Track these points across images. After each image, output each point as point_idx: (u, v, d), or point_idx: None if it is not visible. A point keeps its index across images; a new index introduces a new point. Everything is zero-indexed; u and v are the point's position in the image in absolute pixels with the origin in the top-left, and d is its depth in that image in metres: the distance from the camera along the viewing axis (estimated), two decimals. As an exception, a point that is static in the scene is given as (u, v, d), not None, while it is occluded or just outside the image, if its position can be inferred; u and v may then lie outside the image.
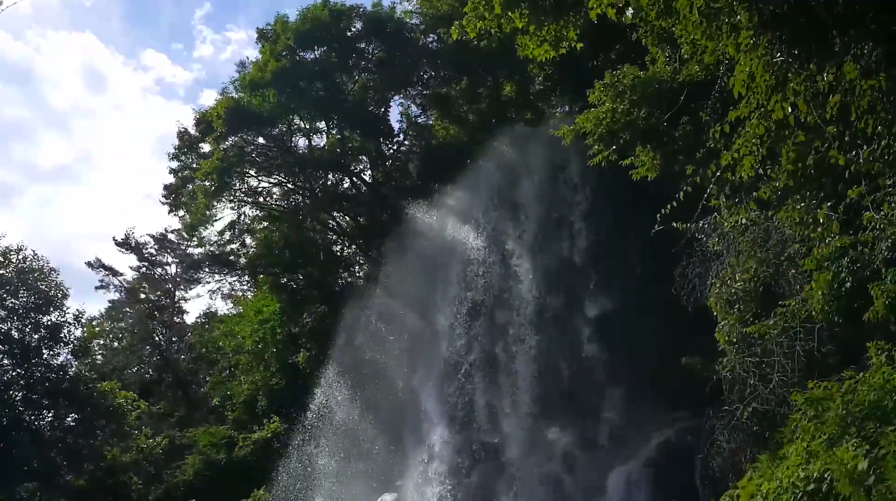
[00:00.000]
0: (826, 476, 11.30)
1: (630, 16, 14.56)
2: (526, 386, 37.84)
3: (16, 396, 46.50)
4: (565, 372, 37.61)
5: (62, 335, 48.45)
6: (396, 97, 54.25)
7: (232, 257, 62.72)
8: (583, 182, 39.74)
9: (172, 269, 77.88)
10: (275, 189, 57.06)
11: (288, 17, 50.87)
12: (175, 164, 55.87)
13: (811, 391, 13.35)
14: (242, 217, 56.85)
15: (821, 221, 15.93)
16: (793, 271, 19.13)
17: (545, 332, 38.59)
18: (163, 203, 57.94)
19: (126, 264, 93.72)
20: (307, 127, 54.33)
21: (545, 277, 39.69)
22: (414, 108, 55.09)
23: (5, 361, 46.69)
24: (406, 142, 55.80)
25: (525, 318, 39.47)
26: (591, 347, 37.66)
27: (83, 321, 52.21)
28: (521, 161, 42.41)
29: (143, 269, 76.79)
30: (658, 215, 16.76)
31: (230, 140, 50.79)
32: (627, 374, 34.39)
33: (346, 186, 56.92)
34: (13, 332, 46.88)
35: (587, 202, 39.81)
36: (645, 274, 34.01)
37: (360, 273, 57.18)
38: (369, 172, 55.91)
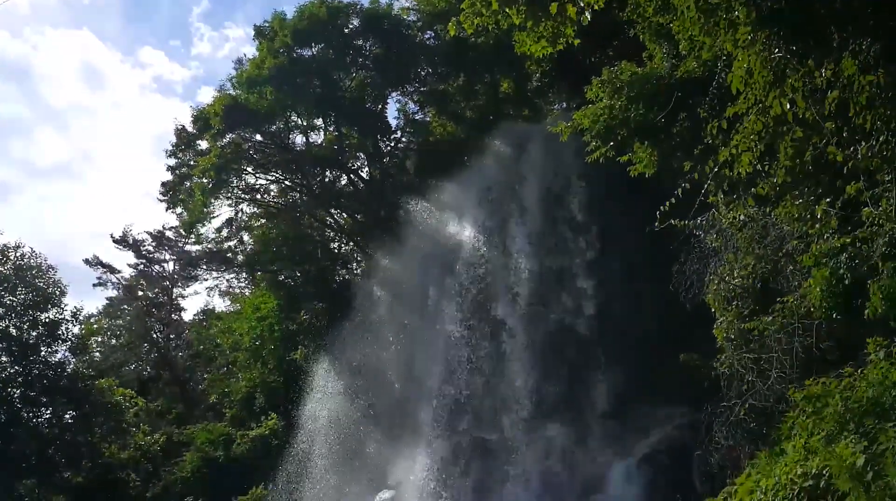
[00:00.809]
0: (824, 472, 11.29)
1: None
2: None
3: (14, 393, 46.53)
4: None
5: (60, 333, 48.47)
6: (394, 94, 54.30)
7: (230, 255, 62.53)
8: (587, 220, 37.78)
9: (170, 266, 77.64)
10: (272, 186, 57.13)
11: (285, 15, 50.82)
12: (173, 161, 55.76)
13: (809, 388, 13.34)
14: (240, 214, 56.91)
15: (819, 217, 15.91)
16: (791, 267, 19.16)
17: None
18: (160, 200, 57.74)
19: (124, 261, 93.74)
20: (304, 124, 54.35)
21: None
22: (411, 104, 55.11)
23: (3, 358, 46.74)
24: (403, 139, 55.79)
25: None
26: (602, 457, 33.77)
27: (81, 318, 52.19)
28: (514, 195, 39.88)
29: (141, 266, 76.56)
30: (657, 212, 16.73)
31: (228, 137, 50.78)
32: (626, 370, 34.26)
33: (343, 182, 56.92)
34: (11, 329, 46.88)
35: (593, 250, 37.23)
36: (643, 271, 33.72)
37: (358, 270, 57.15)
38: (367, 168, 55.93)
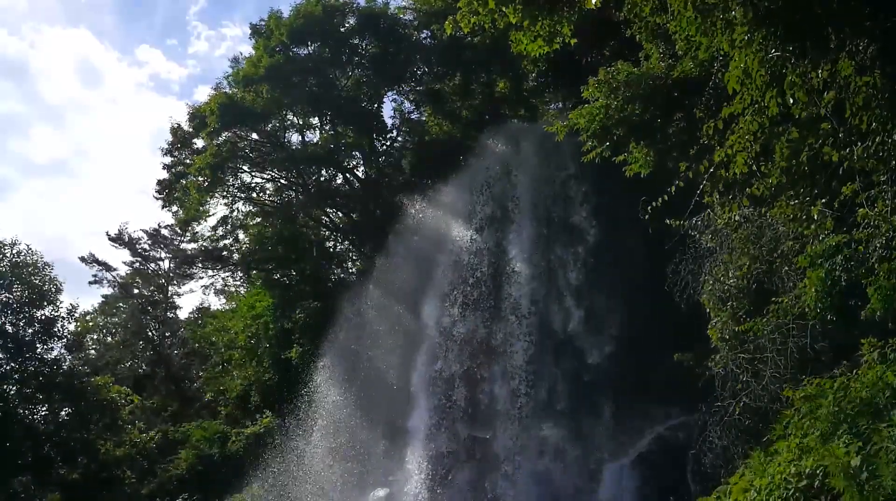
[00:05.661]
0: (819, 472, 11.31)
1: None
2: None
3: (9, 390, 46.41)
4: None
5: (56, 330, 48.38)
6: (390, 93, 54.48)
7: (225, 253, 62.63)
8: (582, 220, 37.13)
9: (166, 264, 77.76)
10: (268, 185, 57.10)
11: (282, 13, 50.89)
12: (169, 159, 55.92)
13: (804, 388, 13.36)
14: (235, 213, 56.95)
15: (814, 218, 15.90)
16: (786, 268, 19.14)
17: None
18: (156, 198, 57.75)
19: (119, 259, 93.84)
20: (300, 123, 54.45)
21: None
22: (407, 104, 55.33)
23: (-1, 355, 46.66)
24: (399, 138, 55.82)
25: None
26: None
27: (77, 315, 52.20)
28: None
29: (137, 264, 76.70)
30: (648, 207, 16.73)
31: (224, 136, 50.85)
32: (620, 370, 34.20)
33: (339, 181, 56.96)
34: (7, 326, 46.74)
35: (588, 250, 36.65)
36: (638, 271, 33.49)
37: (353, 269, 57.16)
38: (362, 167, 55.99)
